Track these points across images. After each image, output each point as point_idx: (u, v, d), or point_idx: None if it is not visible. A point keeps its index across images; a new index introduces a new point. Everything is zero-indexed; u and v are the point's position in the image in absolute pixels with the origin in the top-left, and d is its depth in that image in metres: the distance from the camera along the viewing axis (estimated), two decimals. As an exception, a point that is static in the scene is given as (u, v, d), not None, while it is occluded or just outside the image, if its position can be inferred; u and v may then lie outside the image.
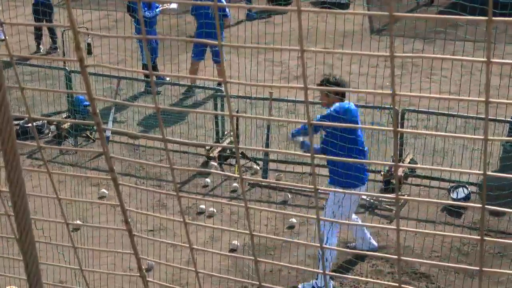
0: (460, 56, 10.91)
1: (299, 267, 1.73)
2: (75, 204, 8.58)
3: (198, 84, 11.53)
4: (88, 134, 10.64)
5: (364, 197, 8.48)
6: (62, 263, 6.86)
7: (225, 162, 9.85)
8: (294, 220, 8.27)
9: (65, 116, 10.93)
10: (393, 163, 1.48)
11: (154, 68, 12.28)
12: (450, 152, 9.41)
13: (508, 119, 9.19)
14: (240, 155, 9.67)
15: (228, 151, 9.92)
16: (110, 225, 7.63)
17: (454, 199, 8.43)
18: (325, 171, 9.06)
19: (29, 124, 10.27)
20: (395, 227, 1.51)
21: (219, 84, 11.32)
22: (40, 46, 14.25)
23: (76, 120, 10.59)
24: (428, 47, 13.32)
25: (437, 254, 7.59)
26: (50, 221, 2.03)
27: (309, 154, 1.53)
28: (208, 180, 9.28)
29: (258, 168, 9.52)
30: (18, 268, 6.89)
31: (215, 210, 8.54)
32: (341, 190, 6.95)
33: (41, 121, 10.63)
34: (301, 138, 7.29)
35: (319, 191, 8.45)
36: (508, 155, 9.15)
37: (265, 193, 8.96)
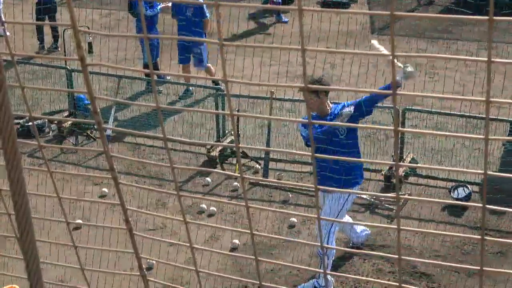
0: (463, 55, 10.91)
1: (300, 266, 1.73)
2: (76, 203, 8.59)
3: (197, 84, 11.52)
4: (89, 133, 10.64)
5: (364, 196, 8.49)
6: (63, 261, 6.86)
7: (225, 161, 9.86)
8: (294, 219, 8.27)
9: (66, 115, 10.94)
10: (393, 163, 1.48)
11: (155, 67, 12.28)
12: (451, 152, 9.41)
13: (510, 119, 9.18)
14: (241, 154, 9.67)
15: (229, 150, 9.92)
16: (111, 224, 7.63)
17: (454, 199, 8.43)
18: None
19: (30, 123, 10.28)
20: (395, 227, 1.51)
21: (214, 82, 11.33)
22: (43, 44, 14.27)
23: (77, 119, 10.60)
24: (430, 47, 13.33)
25: (437, 254, 7.59)
26: (50, 220, 2.03)
27: (309, 154, 1.53)
28: (208, 179, 9.28)
29: (259, 167, 9.52)
30: (18, 266, 6.90)
31: (215, 209, 8.55)
32: (340, 190, 6.94)
33: (42, 120, 10.64)
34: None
35: (320, 190, 8.44)
36: (509, 155, 9.14)
37: (266, 192, 8.96)
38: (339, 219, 6.95)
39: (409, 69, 6.58)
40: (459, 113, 9.58)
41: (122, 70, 11.00)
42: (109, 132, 10.31)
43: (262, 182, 9.06)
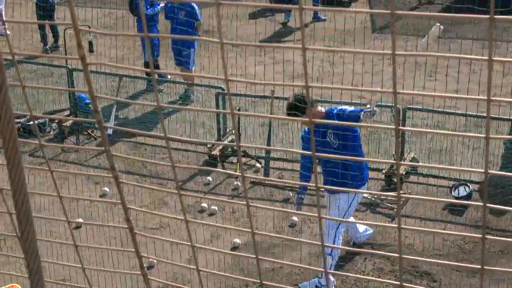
0: (464, 54, 10.90)
1: (301, 265, 1.73)
2: (77, 202, 8.59)
3: (200, 83, 11.52)
4: (90, 132, 10.64)
5: (366, 195, 8.48)
6: (64, 261, 6.87)
7: (226, 160, 9.86)
8: (295, 218, 8.27)
9: (67, 114, 10.94)
10: (394, 161, 1.48)
11: (156, 66, 12.28)
12: (452, 151, 9.40)
13: (511, 118, 9.17)
14: (242, 153, 9.67)
15: (229, 149, 9.93)
16: (112, 223, 7.63)
17: (455, 197, 8.43)
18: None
19: (31, 122, 10.28)
20: (396, 225, 1.51)
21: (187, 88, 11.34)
22: (47, 47, 14.30)
23: (78, 118, 10.60)
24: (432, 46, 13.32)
25: (438, 253, 7.59)
26: (51, 219, 2.03)
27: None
28: (209, 178, 9.28)
29: (260, 166, 9.52)
30: (19, 265, 6.91)
31: (216, 208, 8.55)
32: (341, 189, 6.92)
33: (43, 119, 10.64)
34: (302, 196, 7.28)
35: (321, 189, 8.45)
36: (510, 154, 9.14)
37: (267, 191, 8.96)
38: (345, 219, 6.97)
39: (371, 107, 6.71)
40: (459, 112, 9.58)
41: (122, 69, 11.00)
42: (110, 131, 10.31)
43: (263, 181, 9.06)
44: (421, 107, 9.52)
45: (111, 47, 12.69)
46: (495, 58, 1.32)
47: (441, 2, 16.24)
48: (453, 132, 1.35)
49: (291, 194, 8.82)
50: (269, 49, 12.81)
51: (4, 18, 14.46)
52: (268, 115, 2.07)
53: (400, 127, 1.42)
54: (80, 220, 8.07)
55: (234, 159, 9.85)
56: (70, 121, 10.60)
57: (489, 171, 1.39)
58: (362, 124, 7.13)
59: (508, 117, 9.13)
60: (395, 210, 8.36)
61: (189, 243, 1.79)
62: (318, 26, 15.19)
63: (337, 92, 10.49)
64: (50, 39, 14.46)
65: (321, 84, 11.71)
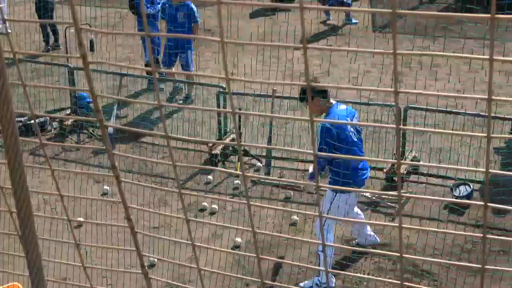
0: (464, 53, 10.89)
1: (302, 264, 1.73)
2: (78, 201, 8.59)
3: (200, 82, 11.52)
4: (91, 131, 10.64)
5: (367, 194, 8.48)
6: (65, 259, 6.87)
7: (227, 159, 9.86)
8: (296, 217, 8.27)
9: (68, 113, 10.94)
10: (395, 161, 1.48)
11: (157, 65, 12.28)
12: (453, 150, 9.40)
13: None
14: (243, 152, 9.67)
15: (230, 148, 9.93)
16: (113, 222, 7.64)
17: (456, 197, 8.43)
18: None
19: (32, 121, 10.28)
20: (397, 225, 1.51)
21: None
22: (49, 47, 14.31)
23: (79, 117, 10.61)
24: (432, 45, 13.32)
25: (439, 252, 7.58)
26: (52, 217, 2.03)
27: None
28: (210, 177, 9.28)
29: (261, 165, 9.52)
30: (20, 264, 6.90)
31: (217, 207, 8.55)
32: (341, 188, 6.94)
33: (43, 118, 10.64)
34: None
35: (321, 188, 8.44)
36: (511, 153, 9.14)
37: (268, 191, 8.96)
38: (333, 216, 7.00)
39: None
40: (460, 111, 9.57)
41: (123, 68, 11.00)
42: (111, 130, 10.31)
43: (264, 180, 9.06)
44: (422, 107, 9.52)
45: (113, 46, 12.69)
46: (496, 58, 1.32)
47: (442, 1, 16.23)
48: (454, 132, 1.35)
49: (292, 193, 8.82)
50: (270, 48, 12.81)
51: (6, 17, 14.47)
52: (269, 114, 2.07)
53: (401, 127, 1.42)
54: (81, 219, 8.07)
55: (235, 158, 9.85)
56: (71, 120, 10.61)
57: (490, 170, 1.39)
58: (364, 123, 7.15)
59: (509, 117, 9.12)
60: (396, 209, 8.36)
61: (190, 242, 1.79)
62: (320, 24, 15.19)
63: (338, 91, 10.49)
64: (51, 36, 14.47)
65: (322, 83, 11.71)
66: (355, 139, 6.85)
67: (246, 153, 9.71)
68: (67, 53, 12.66)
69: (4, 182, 1.79)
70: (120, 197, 1.73)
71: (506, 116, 9.08)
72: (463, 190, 8.56)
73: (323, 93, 6.76)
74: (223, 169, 9.61)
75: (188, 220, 1.74)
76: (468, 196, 8.46)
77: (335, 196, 7.00)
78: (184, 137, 10.12)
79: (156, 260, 7.44)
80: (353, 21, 15.29)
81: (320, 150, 6.71)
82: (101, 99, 10.86)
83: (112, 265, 7.24)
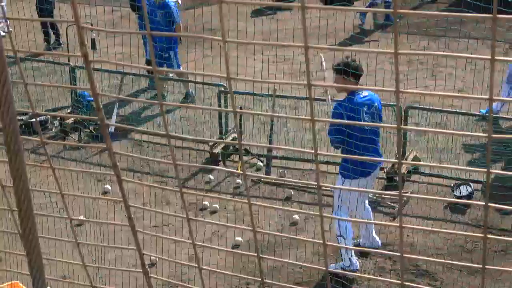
0: (465, 53, 10.88)
1: (302, 264, 1.73)
2: (79, 200, 8.59)
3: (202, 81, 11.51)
4: (92, 130, 10.64)
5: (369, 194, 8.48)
6: (66, 258, 6.87)
7: (228, 159, 9.86)
8: (297, 216, 8.26)
9: (69, 111, 10.94)
10: (396, 160, 1.48)
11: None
12: (454, 150, 9.40)
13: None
14: (244, 152, 9.67)
15: (231, 148, 9.93)
16: (114, 221, 7.64)
17: (457, 197, 8.42)
18: (327, 168, 9.06)
19: (33, 119, 10.28)
20: (398, 224, 1.51)
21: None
22: (51, 46, 14.32)
23: (80, 116, 10.61)
24: (433, 44, 13.31)
25: (440, 252, 7.58)
26: (53, 216, 2.03)
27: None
28: (211, 176, 9.28)
29: (262, 164, 9.52)
30: (20, 263, 6.91)
31: (218, 207, 8.55)
32: (342, 186, 6.95)
33: (45, 117, 10.64)
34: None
35: (323, 188, 8.45)
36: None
37: (269, 190, 8.96)
38: (344, 203, 7.04)
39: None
40: (461, 111, 9.57)
41: (125, 67, 11.00)
42: (112, 129, 10.31)
43: (264, 180, 9.06)
44: (423, 106, 9.51)
45: (114, 45, 12.69)
46: (497, 58, 1.32)
47: (444, 1, 16.22)
48: (455, 131, 1.35)
49: (293, 193, 8.82)
50: (271, 47, 12.81)
51: (7, 15, 14.48)
52: (271, 114, 2.07)
53: (402, 126, 1.42)
54: (82, 217, 8.07)
55: (236, 157, 9.84)
56: (72, 119, 10.61)
57: (491, 170, 1.39)
58: (364, 123, 7.16)
59: (510, 117, 9.12)
60: (397, 209, 8.35)
61: (191, 241, 1.79)
62: (321, 24, 15.15)
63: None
64: (52, 36, 14.48)
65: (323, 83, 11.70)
66: (368, 129, 6.90)
67: (247, 153, 9.71)
68: (68, 51, 12.67)
69: (6, 181, 1.79)
70: (121, 196, 1.73)
71: (506, 116, 9.08)
72: (464, 190, 8.55)
73: (347, 73, 6.87)
74: (224, 168, 9.61)
75: (189, 219, 1.74)
76: (469, 196, 8.46)
77: (343, 182, 7.03)
78: (185, 136, 10.13)
79: (156, 259, 7.44)
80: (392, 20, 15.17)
81: (330, 130, 6.92)
82: (102, 98, 10.86)
83: (113, 264, 7.24)
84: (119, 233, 7.64)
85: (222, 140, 9.75)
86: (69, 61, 11.12)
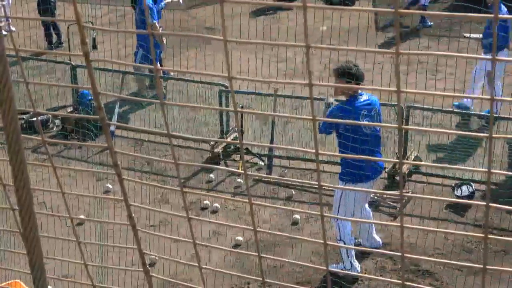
0: (465, 53, 10.88)
1: (303, 263, 1.73)
2: (80, 199, 8.60)
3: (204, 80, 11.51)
4: (93, 129, 10.64)
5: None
6: (67, 257, 6.87)
7: (229, 158, 9.86)
8: (297, 216, 8.27)
9: (70, 110, 10.95)
10: (397, 160, 1.48)
11: (159, 63, 12.27)
12: (455, 150, 9.40)
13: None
14: (245, 151, 9.67)
15: (232, 147, 9.93)
16: (115, 220, 7.64)
17: (458, 197, 8.42)
18: (328, 168, 9.06)
19: (34, 118, 10.28)
20: (399, 224, 1.51)
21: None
22: (52, 45, 14.33)
23: (81, 115, 10.62)
24: (433, 44, 13.31)
25: (440, 252, 7.58)
26: (54, 215, 2.04)
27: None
28: (212, 175, 9.28)
29: (263, 164, 9.52)
30: (22, 261, 6.92)
31: (219, 206, 8.55)
32: (344, 187, 6.96)
33: (46, 116, 10.64)
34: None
35: (323, 187, 8.44)
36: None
37: (269, 189, 8.97)
38: (344, 210, 7.03)
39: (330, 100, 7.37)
40: (462, 111, 9.56)
41: (126, 66, 11.00)
42: (113, 128, 10.31)
43: (265, 179, 9.06)
44: (424, 106, 9.51)
45: (115, 44, 12.69)
46: (498, 58, 1.32)
47: (446, 0, 16.22)
48: (456, 131, 1.35)
49: (293, 192, 8.82)
50: (272, 47, 12.80)
51: (8, 14, 14.49)
52: (271, 113, 2.06)
53: (403, 126, 1.42)
54: (83, 216, 8.08)
55: (237, 157, 9.84)
56: (73, 118, 10.62)
57: (492, 170, 1.39)
58: (365, 122, 7.16)
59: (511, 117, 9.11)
60: (398, 209, 8.36)
61: (191, 240, 1.79)
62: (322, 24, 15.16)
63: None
64: (54, 36, 14.48)
65: (324, 83, 11.71)
66: (367, 132, 6.88)
67: (248, 152, 9.71)
68: (69, 51, 12.67)
69: (8, 180, 1.80)
70: (122, 195, 1.73)
71: (507, 116, 9.08)
72: (465, 190, 8.55)
73: (349, 76, 6.85)
74: (225, 168, 9.62)
75: (190, 219, 1.74)
76: (470, 196, 8.46)
77: (344, 185, 7.04)
78: (186, 135, 10.13)
79: (157, 258, 7.44)
80: (428, 23, 15.07)
81: (321, 128, 7.00)
82: (103, 97, 10.84)
83: (114, 263, 7.24)
84: (119, 232, 7.64)
85: (223, 140, 9.75)
86: (70, 60, 11.12)
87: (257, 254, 1.71)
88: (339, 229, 7.09)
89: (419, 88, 10.79)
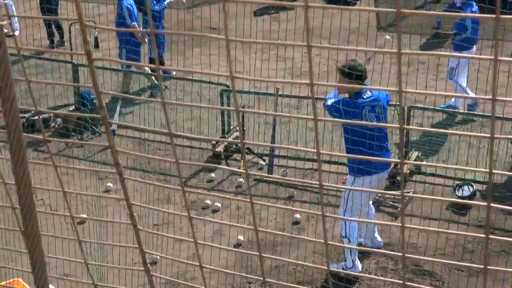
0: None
1: (304, 263, 1.73)
2: (81, 198, 8.60)
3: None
4: (94, 128, 10.65)
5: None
6: (68, 256, 6.87)
7: (231, 157, 9.86)
8: (299, 216, 8.27)
9: (72, 109, 10.95)
10: (398, 160, 1.48)
11: (161, 62, 12.27)
12: (456, 150, 9.39)
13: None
14: (246, 151, 9.67)
15: (234, 147, 9.92)
16: (116, 219, 7.64)
17: (459, 197, 8.42)
18: (328, 168, 9.06)
19: (36, 117, 10.29)
20: (400, 224, 1.51)
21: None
22: (54, 44, 14.35)
23: (82, 114, 10.62)
24: (436, 44, 13.30)
25: (441, 252, 7.58)
26: (55, 214, 2.04)
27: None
28: (213, 175, 9.28)
29: (264, 163, 9.52)
30: (22, 260, 6.91)
31: (220, 205, 8.55)
32: (348, 187, 6.95)
33: (47, 114, 10.65)
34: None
35: (324, 187, 8.45)
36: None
37: (271, 189, 8.96)
38: (352, 207, 7.02)
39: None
40: (464, 111, 9.55)
41: (128, 65, 11.00)
42: (114, 127, 10.32)
43: (267, 179, 9.06)
44: (426, 106, 9.51)
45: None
46: (500, 58, 1.31)
47: (448, 0, 16.19)
48: (457, 132, 1.35)
49: (295, 192, 8.82)
50: (274, 47, 12.81)
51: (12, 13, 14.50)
52: (273, 113, 2.06)
53: (405, 126, 1.42)
54: (84, 215, 8.08)
55: (239, 156, 9.84)
56: (75, 116, 10.62)
57: (494, 171, 1.39)
58: (368, 123, 7.15)
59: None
60: (399, 209, 8.35)
61: (192, 240, 1.79)
62: (324, 24, 15.15)
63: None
64: (56, 35, 14.50)
65: (326, 82, 11.71)
66: (371, 126, 6.89)
67: (250, 152, 9.71)
68: (71, 49, 12.68)
69: (9, 178, 1.80)
70: (123, 194, 1.73)
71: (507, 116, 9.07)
72: (466, 190, 8.54)
73: (350, 76, 6.83)
74: (226, 167, 9.61)
75: (191, 218, 1.74)
76: (471, 197, 8.45)
77: (353, 181, 7.03)
78: (187, 134, 10.12)
79: (158, 257, 7.44)
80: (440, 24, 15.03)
81: (329, 105, 6.91)
82: (105, 96, 10.87)
83: (115, 262, 7.25)
84: (121, 231, 7.65)
85: (224, 139, 9.75)
86: (72, 58, 11.12)
87: (258, 253, 1.71)
88: (344, 224, 7.07)
89: (420, 88, 10.79)
